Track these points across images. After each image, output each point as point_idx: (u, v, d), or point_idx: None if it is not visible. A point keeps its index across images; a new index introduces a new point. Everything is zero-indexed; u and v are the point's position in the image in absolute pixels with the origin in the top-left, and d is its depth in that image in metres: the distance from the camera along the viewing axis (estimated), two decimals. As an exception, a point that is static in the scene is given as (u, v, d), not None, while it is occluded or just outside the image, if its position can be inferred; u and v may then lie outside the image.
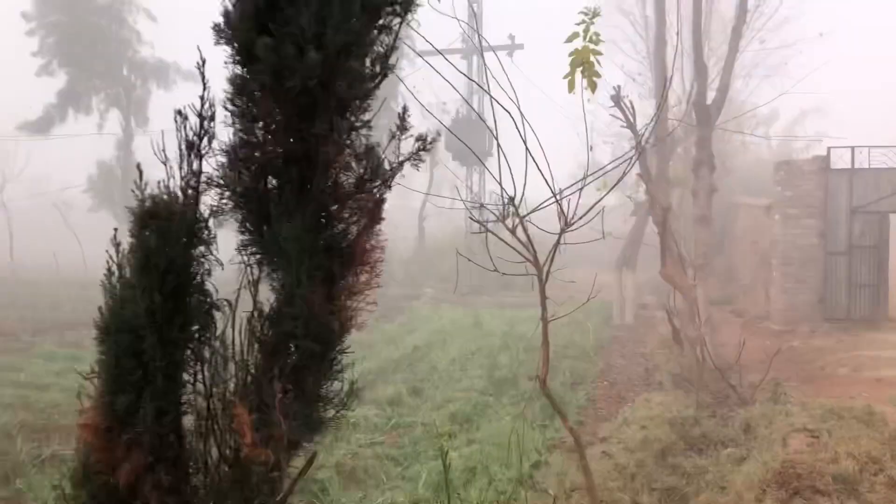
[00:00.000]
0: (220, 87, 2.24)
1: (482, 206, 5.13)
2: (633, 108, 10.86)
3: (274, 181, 2.31)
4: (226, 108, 2.24)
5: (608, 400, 11.21)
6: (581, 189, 5.30)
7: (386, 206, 2.49)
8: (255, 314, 2.26)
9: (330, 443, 9.36)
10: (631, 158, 5.07)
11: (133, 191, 2.09)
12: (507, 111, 4.46)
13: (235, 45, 2.23)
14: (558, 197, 5.30)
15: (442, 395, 11.50)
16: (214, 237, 2.25)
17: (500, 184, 5.40)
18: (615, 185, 5.17)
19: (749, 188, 23.17)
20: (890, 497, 5.77)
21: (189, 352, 2.18)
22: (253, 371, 2.23)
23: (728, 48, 12.96)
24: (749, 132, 25.59)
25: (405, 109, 2.54)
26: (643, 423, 8.98)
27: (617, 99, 10.79)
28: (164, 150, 2.14)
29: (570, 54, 5.49)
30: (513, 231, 5.64)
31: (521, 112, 4.45)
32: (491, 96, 4.55)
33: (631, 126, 10.88)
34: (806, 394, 10.22)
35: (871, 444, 6.93)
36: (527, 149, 5.32)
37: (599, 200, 5.04)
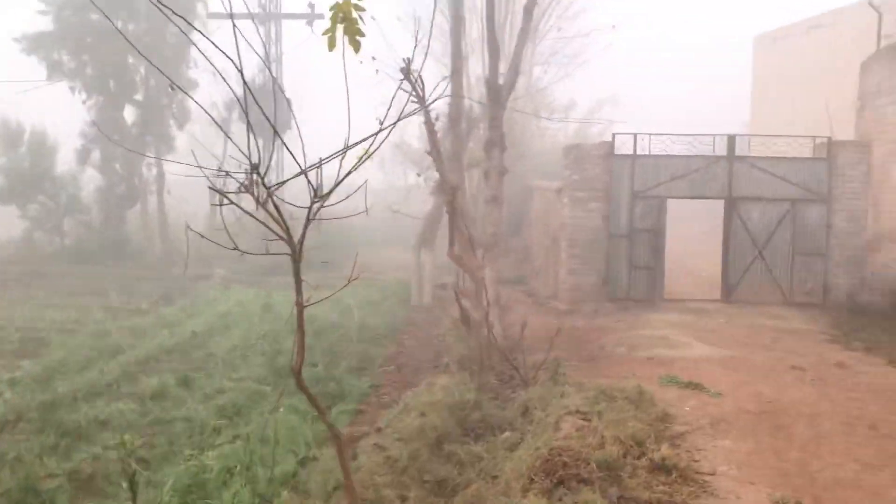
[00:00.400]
0: None
1: (227, 174, 4.34)
2: (422, 82, 10.41)
3: None
4: None
5: (394, 385, 10.82)
6: (341, 160, 4.74)
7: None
8: None
9: (66, 445, 8.14)
10: (386, 131, 4.50)
11: None
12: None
13: None
14: (305, 169, 4.70)
15: (214, 385, 10.51)
16: None
17: (248, 153, 4.70)
18: (363, 159, 4.60)
19: (547, 172, 23.91)
20: (649, 481, 5.73)
21: None
22: None
23: (521, 28, 12.90)
24: (547, 116, 26.41)
25: None
26: (423, 409, 8.62)
27: (406, 72, 10.29)
28: None
29: (331, 8, 4.79)
30: (261, 204, 4.96)
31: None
32: (265, 67, 3.78)
33: (420, 100, 10.43)
34: (585, 373, 10.39)
35: (637, 425, 6.99)
36: (295, 120, 4.57)
37: (349, 174, 4.50)
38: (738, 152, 15.36)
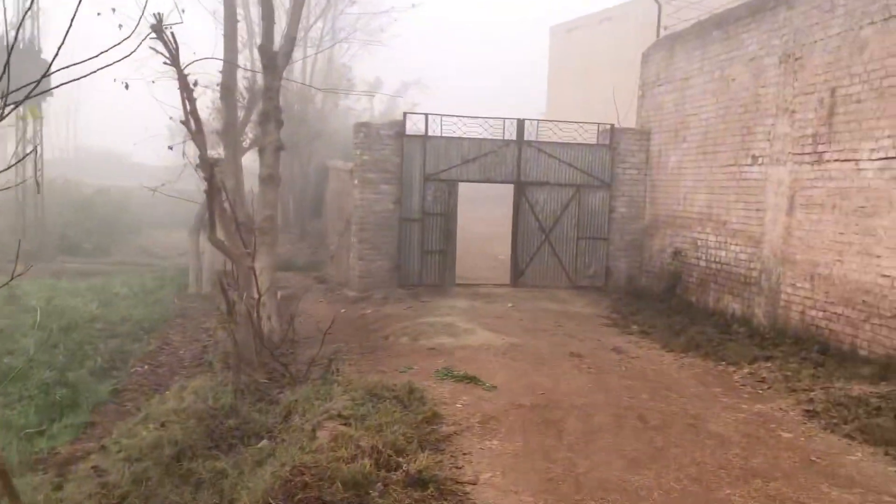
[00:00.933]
0: None
1: None
2: (175, 41, 9.14)
3: None
4: None
5: (142, 389, 9.48)
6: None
7: None
8: None
9: None
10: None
11: None
12: None
13: None
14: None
15: None
16: None
17: None
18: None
19: (347, 152, 23.01)
20: (401, 499, 5.04)
21: None
22: None
23: (297, -9, 11.85)
24: (345, 91, 25.45)
25: None
26: (165, 418, 7.42)
27: (158, 29, 8.94)
28: None
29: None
30: None
31: None
32: None
33: (174, 60, 9.13)
34: (364, 366, 9.68)
35: (400, 430, 6.31)
36: None
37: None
38: (528, 137, 15.30)
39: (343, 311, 14.22)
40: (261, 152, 11.66)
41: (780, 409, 7.88)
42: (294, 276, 18.25)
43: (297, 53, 24.91)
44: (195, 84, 9.49)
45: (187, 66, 9.21)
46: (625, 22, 27.42)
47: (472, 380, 8.35)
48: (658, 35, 16.52)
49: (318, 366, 9.68)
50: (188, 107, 9.40)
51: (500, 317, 12.78)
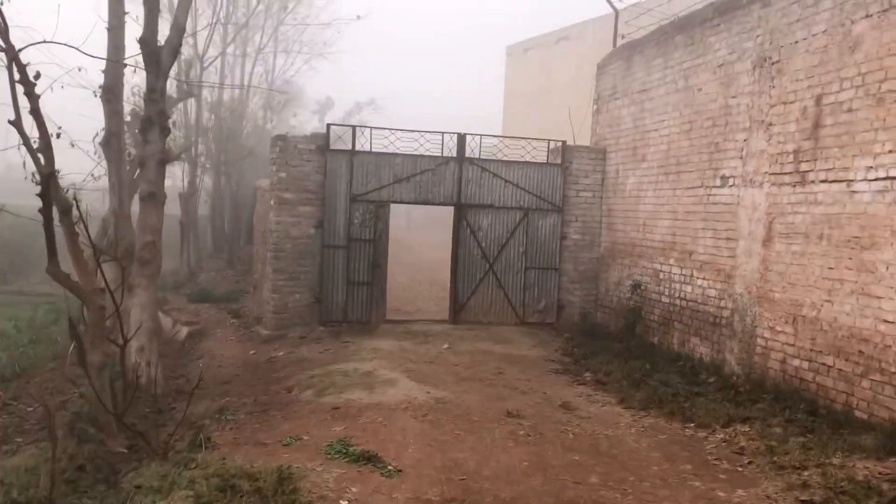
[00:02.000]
0: None
1: None
2: (4, 20, 7.25)
3: None
4: None
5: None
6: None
7: None
8: None
9: None
10: None
11: None
12: None
13: None
14: None
15: None
16: None
17: None
18: None
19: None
20: None
21: None
22: None
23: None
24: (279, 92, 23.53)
25: None
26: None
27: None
28: None
29: None
30: None
31: None
32: None
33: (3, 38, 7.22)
34: (245, 432, 7.72)
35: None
36: None
37: None
38: (471, 155, 13.53)
39: (253, 352, 12.23)
40: (141, 165, 9.68)
41: (768, 497, 6.10)
42: (209, 309, 16.17)
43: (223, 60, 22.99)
44: (37, 77, 7.52)
45: (22, 49, 7.28)
46: (581, 41, 26.14)
47: (371, 459, 6.42)
48: (615, 45, 14.96)
49: (195, 427, 7.74)
50: (30, 105, 7.44)
51: (431, 361, 10.89)
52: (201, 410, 8.63)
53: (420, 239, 40.76)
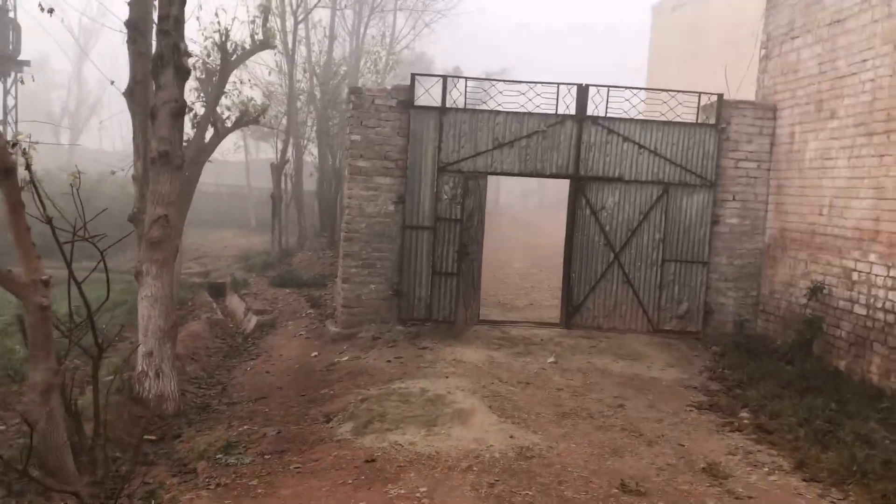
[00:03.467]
0: None
1: None
2: None
3: None
4: None
5: None
6: None
7: None
8: None
9: None
10: None
11: None
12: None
13: None
14: None
15: None
16: None
17: None
18: None
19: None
20: None
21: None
22: None
23: None
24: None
25: None
26: None
27: None
28: None
29: None
30: None
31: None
32: None
33: None
34: (236, 492, 5.39)
35: None
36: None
37: None
38: (594, 112, 10.63)
39: (315, 354, 10.06)
40: (153, 117, 7.57)
41: None
42: (289, 295, 14.22)
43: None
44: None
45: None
46: (740, -4, 22.37)
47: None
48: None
49: (179, 469, 5.57)
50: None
51: (527, 382, 8.25)
52: (201, 446, 6.46)
53: (552, 219, 37.85)
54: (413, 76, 10.45)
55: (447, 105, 10.40)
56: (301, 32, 21.49)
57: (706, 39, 23.69)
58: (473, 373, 8.43)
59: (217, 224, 27.73)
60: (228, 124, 13.27)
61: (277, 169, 17.48)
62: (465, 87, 10.36)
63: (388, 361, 9.00)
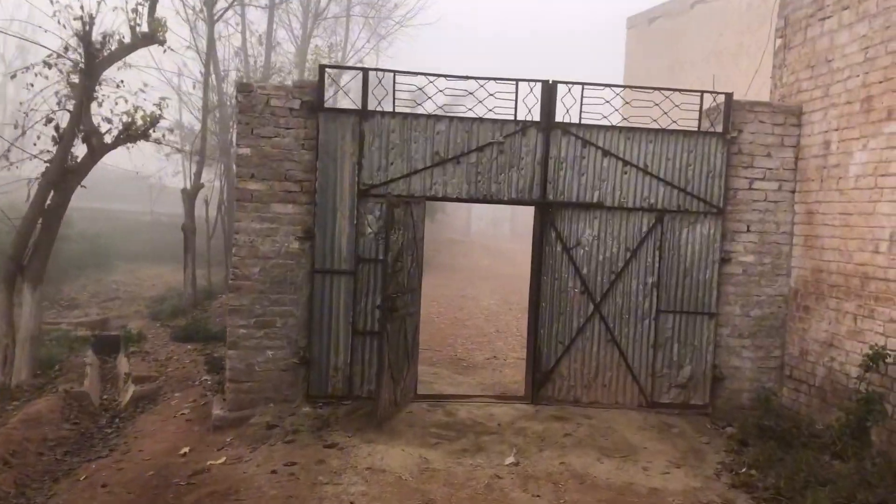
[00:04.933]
0: None
1: None
2: None
3: None
4: None
5: None
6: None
7: None
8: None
9: None
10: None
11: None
12: None
13: None
14: None
15: None
16: None
17: None
18: None
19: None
20: None
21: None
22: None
23: None
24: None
25: None
26: None
27: None
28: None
29: None
30: None
31: None
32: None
33: None
34: None
35: None
36: None
37: None
38: (563, 119, 8.08)
39: (185, 452, 7.26)
40: None
41: None
42: (189, 352, 11.41)
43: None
44: None
45: None
46: (727, 3, 20.38)
47: None
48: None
49: None
50: None
51: (472, 499, 5.54)
52: None
53: (523, 247, 35.39)
54: (322, 68, 7.81)
55: (370, 108, 7.78)
56: (237, 41, 18.91)
57: (687, 52, 21.64)
58: (394, 494, 5.73)
59: (154, 258, 24.76)
60: (109, 139, 10.55)
61: (190, 195, 14.69)
62: (394, 83, 7.74)
63: (274, 472, 6.25)
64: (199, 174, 14.74)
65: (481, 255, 32.70)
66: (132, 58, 10.85)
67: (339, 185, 7.74)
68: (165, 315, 13.97)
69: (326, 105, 7.75)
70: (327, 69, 7.91)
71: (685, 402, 8.17)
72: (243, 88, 7.74)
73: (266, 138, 7.65)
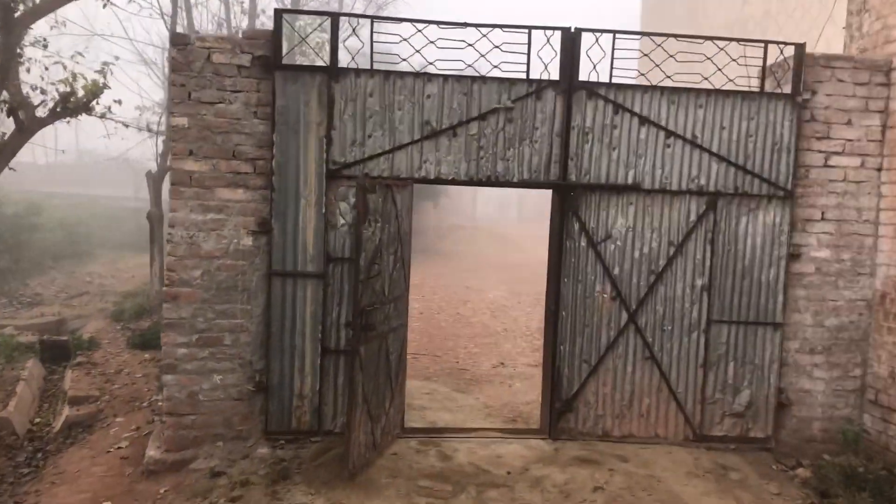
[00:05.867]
0: None
1: None
2: None
3: None
4: None
5: None
6: None
7: None
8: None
9: None
10: None
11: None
12: None
13: None
14: None
15: None
16: None
17: None
18: None
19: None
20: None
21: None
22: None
23: None
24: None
25: None
26: None
27: None
28: None
29: None
30: None
31: None
32: None
33: None
34: None
35: None
36: None
37: None
38: (588, 77, 6.35)
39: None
40: None
41: None
42: (145, 363, 9.82)
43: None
44: None
45: None
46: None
47: None
48: None
49: None
50: None
51: None
52: None
53: (531, 232, 33.70)
54: (278, 12, 6.09)
55: (341, 65, 6.09)
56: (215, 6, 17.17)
57: (709, 24, 19.85)
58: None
59: (138, 247, 23.19)
60: (43, 113, 8.89)
61: (156, 179, 13.03)
62: (371, 31, 6.03)
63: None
64: (165, 155, 13.06)
65: (487, 241, 31.06)
66: (72, 15, 9.16)
67: (303, 164, 6.06)
68: (128, 315, 12.35)
69: (285, 62, 6.05)
70: (285, 16, 6.18)
71: (742, 436, 6.52)
72: (177, 40, 6.04)
73: (208, 104, 5.97)
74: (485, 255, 27.73)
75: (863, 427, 6.50)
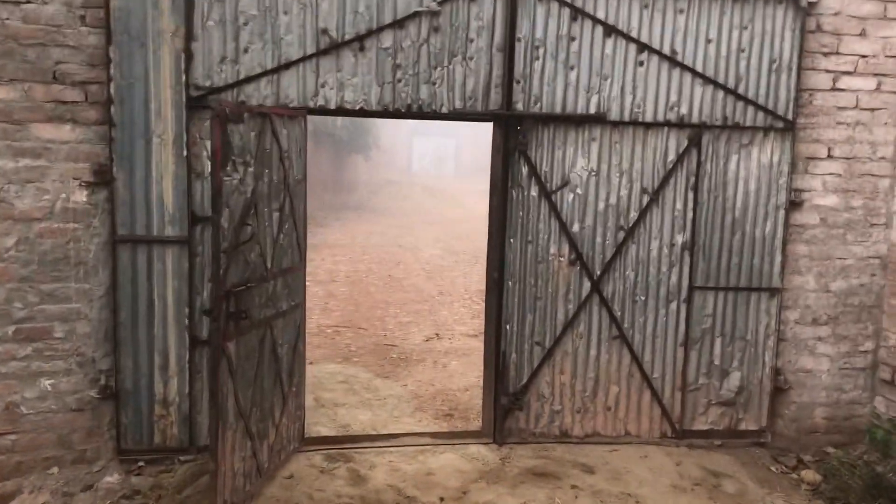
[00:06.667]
0: None
1: None
2: None
3: None
4: None
5: None
6: None
7: None
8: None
9: None
10: None
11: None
12: None
13: None
14: None
15: None
16: None
17: None
18: None
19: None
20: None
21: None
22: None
23: None
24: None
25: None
26: None
27: None
28: None
29: None
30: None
31: None
32: None
33: None
34: None
35: None
36: None
37: None
38: (538, -24, 4.85)
39: None
40: None
41: None
42: None
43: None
44: None
45: None
46: None
47: None
48: None
49: None
50: None
51: None
52: None
53: (470, 187, 32.24)
54: None
55: (201, -49, 4.44)
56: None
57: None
58: None
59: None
60: None
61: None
62: None
63: None
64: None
65: (423, 196, 29.55)
66: None
67: (154, 89, 4.43)
68: None
69: (120, -57, 4.37)
70: None
71: (732, 429, 5.27)
72: (-41, -90, 4.27)
73: (11, 3, 4.26)
74: (421, 210, 26.25)
75: (875, 412, 5.32)
